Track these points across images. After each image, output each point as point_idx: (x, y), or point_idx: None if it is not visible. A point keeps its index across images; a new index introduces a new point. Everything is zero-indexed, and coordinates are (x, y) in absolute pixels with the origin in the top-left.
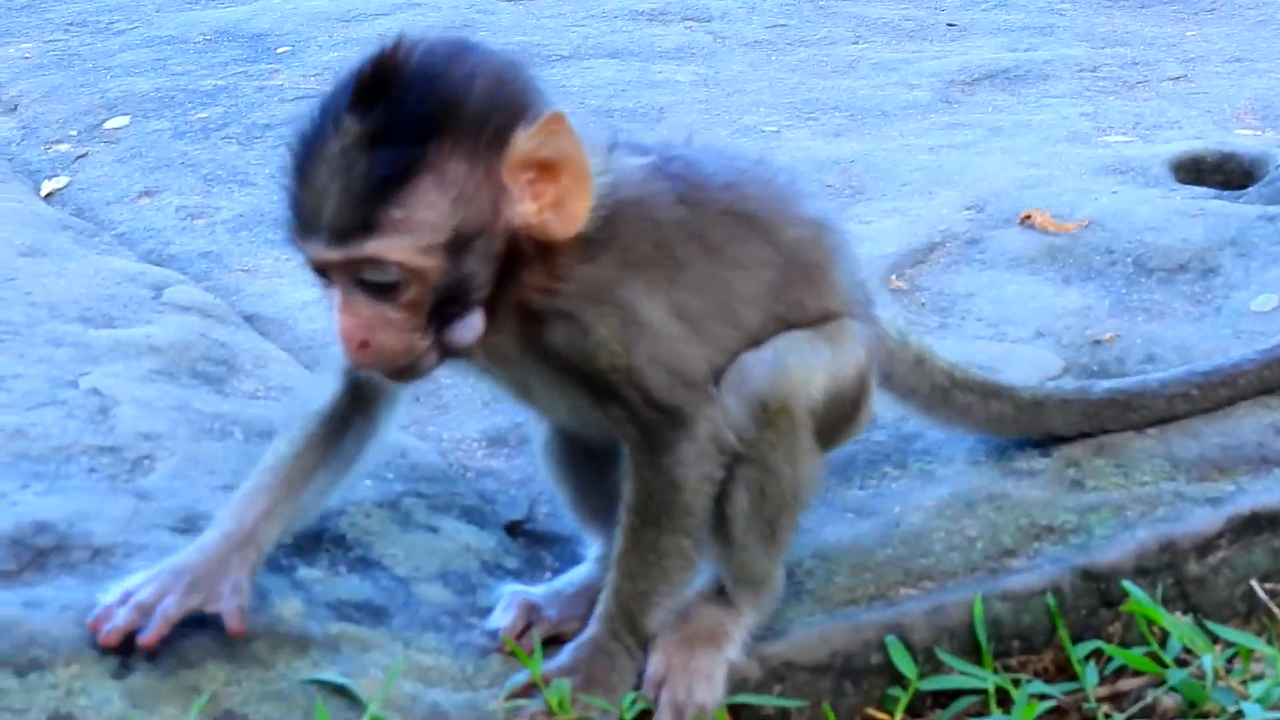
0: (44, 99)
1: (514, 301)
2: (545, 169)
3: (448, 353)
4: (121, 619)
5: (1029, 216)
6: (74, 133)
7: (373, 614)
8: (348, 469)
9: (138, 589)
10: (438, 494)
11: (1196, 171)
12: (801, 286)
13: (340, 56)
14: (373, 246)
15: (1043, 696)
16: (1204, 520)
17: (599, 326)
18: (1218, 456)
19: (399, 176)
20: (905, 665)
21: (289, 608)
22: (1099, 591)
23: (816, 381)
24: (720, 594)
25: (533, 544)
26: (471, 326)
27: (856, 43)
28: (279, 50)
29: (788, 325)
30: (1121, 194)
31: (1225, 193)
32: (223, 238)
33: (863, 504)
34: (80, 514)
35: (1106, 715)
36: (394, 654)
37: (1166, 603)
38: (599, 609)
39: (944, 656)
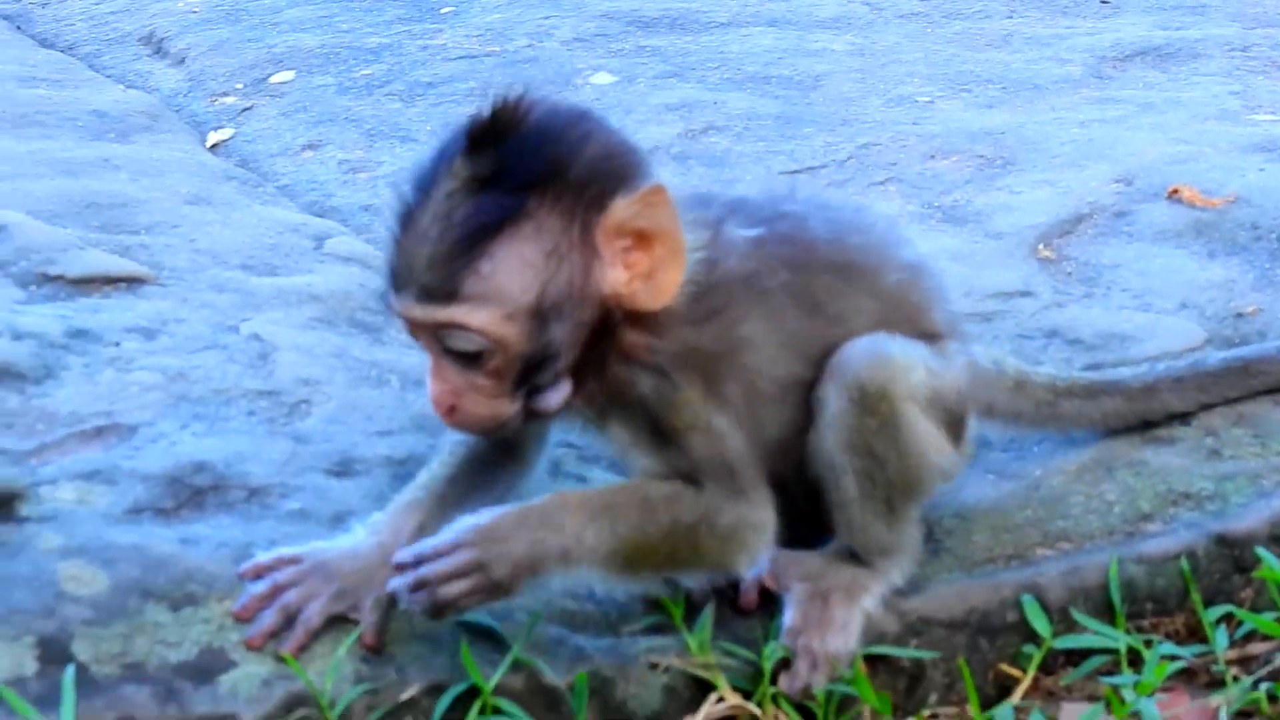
0: (211, 52)
1: (612, 355)
2: (641, 239)
3: (537, 416)
4: (267, 622)
5: (1176, 191)
6: (240, 86)
7: None
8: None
9: (286, 585)
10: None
11: None
12: (901, 327)
13: (502, 18)
14: (456, 310)
15: (1173, 658)
16: None
17: (687, 389)
18: None
19: (495, 224)
20: (1040, 623)
21: None
22: (1232, 557)
23: (916, 371)
24: (855, 555)
25: None
26: (559, 392)
27: (1010, 17)
28: (443, 10)
29: None
30: (1269, 171)
31: None
32: (384, 192)
33: (1003, 466)
34: (238, 455)
35: (1234, 678)
36: (539, 598)
37: None
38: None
39: (1078, 616)
